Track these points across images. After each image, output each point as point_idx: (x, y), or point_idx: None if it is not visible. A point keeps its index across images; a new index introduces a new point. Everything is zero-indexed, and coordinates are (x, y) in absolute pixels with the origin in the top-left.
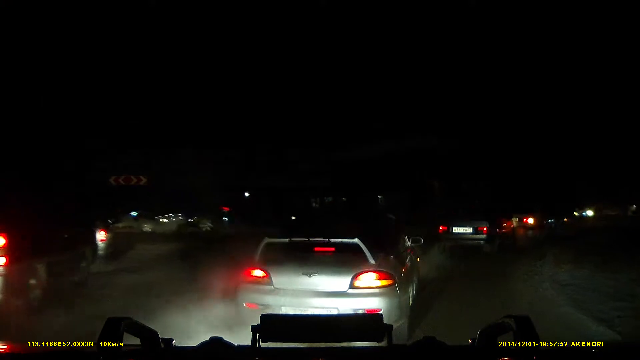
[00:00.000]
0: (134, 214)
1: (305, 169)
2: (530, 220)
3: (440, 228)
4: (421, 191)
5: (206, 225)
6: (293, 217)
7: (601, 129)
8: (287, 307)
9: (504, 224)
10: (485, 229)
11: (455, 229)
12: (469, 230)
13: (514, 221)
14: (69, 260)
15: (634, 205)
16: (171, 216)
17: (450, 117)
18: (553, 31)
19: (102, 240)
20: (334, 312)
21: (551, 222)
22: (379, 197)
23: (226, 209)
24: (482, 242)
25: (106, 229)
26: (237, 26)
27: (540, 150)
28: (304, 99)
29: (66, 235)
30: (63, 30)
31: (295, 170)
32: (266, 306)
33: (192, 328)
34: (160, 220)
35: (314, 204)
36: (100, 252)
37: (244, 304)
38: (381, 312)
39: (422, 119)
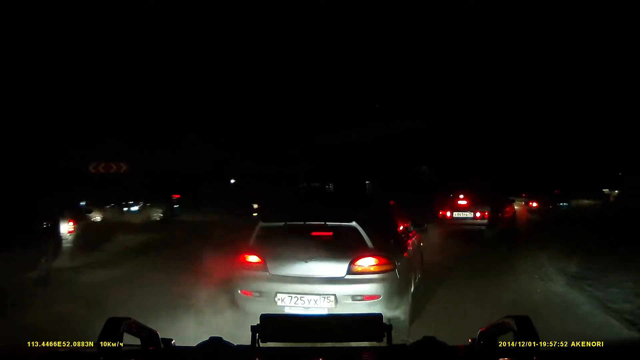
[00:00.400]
0: (82, 203)
1: (290, 154)
2: (535, 204)
3: (440, 213)
4: (412, 176)
5: (157, 213)
6: (255, 205)
7: (596, 117)
8: (283, 293)
9: (506, 209)
10: (486, 214)
11: (456, 214)
12: (469, 215)
13: (519, 204)
14: (25, 255)
15: (616, 191)
16: (131, 204)
17: (449, 101)
18: (550, 19)
19: (70, 232)
20: (331, 298)
21: (563, 205)
22: (367, 182)
23: (176, 196)
24: (483, 227)
25: (75, 219)
26: (218, 10)
27: (543, 135)
28: (290, 84)
29: (22, 227)
30: (37, 14)
31: (280, 154)
32: (261, 293)
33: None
34: (125, 209)
35: (301, 189)
36: (69, 245)
37: (239, 291)
38: (380, 298)
39: (417, 104)
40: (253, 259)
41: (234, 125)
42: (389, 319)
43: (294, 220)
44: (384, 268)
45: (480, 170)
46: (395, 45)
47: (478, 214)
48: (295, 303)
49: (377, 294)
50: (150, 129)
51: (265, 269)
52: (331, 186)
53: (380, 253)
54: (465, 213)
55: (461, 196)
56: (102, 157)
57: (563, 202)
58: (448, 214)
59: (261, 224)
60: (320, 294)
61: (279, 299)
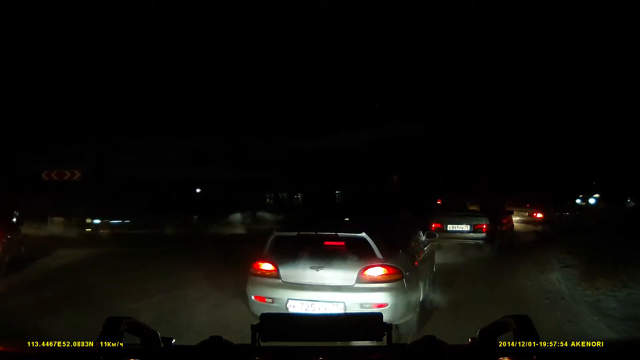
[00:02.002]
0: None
1: (258, 160)
2: (540, 215)
3: (433, 225)
4: (385, 185)
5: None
6: (195, 217)
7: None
8: (294, 300)
9: (504, 221)
10: (484, 226)
11: (450, 227)
12: (466, 227)
13: (523, 215)
14: None
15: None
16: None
17: (438, 106)
18: (550, 19)
19: None
20: (341, 306)
21: (567, 215)
22: (337, 192)
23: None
24: (480, 241)
25: (5, 231)
26: (187, 9)
27: (542, 140)
28: (257, 87)
29: None
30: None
31: (249, 161)
32: (274, 299)
33: None
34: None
35: (267, 200)
36: None
37: (253, 297)
38: (387, 307)
39: (399, 109)
40: (267, 266)
41: (201, 127)
42: (397, 327)
43: (306, 231)
44: (392, 277)
45: (478, 174)
46: (371, 50)
47: (475, 226)
48: (306, 310)
49: (385, 302)
50: (112, 131)
51: (278, 277)
52: (300, 196)
53: (388, 263)
54: (461, 225)
55: (456, 205)
56: (59, 163)
57: (566, 213)
58: (441, 226)
59: (275, 233)
60: (330, 302)
61: (290, 306)
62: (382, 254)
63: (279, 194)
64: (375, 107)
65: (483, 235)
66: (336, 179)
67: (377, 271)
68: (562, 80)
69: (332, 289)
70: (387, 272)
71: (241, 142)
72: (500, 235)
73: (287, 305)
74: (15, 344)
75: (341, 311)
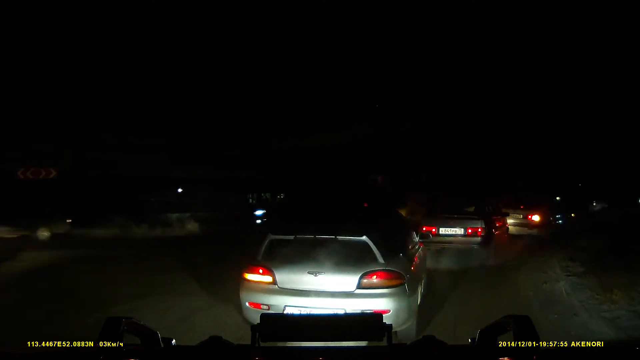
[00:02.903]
0: None
1: (238, 159)
2: (536, 218)
3: (424, 228)
4: (369, 185)
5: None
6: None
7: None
8: (292, 307)
9: (498, 224)
10: (480, 230)
11: (443, 230)
12: (459, 231)
13: (517, 217)
14: None
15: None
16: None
17: (428, 102)
18: (548, 19)
19: None
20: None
21: (558, 218)
22: (320, 192)
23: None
24: (475, 246)
25: None
26: (158, 6)
27: (536, 139)
28: (241, 84)
29: None
30: None
31: (227, 160)
32: (270, 306)
33: None
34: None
35: (250, 200)
36: None
37: (247, 304)
38: (390, 313)
39: (389, 108)
40: (261, 271)
41: (180, 124)
42: (395, 333)
43: (304, 234)
44: (394, 282)
45: (470, 170)
46: (356, 50)
47: (470, 230)
48: None
49: (387, 308)
50: (85, 129)
51: (274, 282)
52: (282, 196)
53: (390, 267)
54: (455, 229)
55: (449, 206)
56: (34, 160)
57: (557, 215)
58: (434, 229)
59: (270, 236)
60: (329, 309)
61: (287, 313)
62: (384, 259)
63: (262, 194)
64: (375, 107)
65: (478, 239)
66: (320, 179)
67: (379, 277)
68: (556, 78)
69: (332, 295)
70: (389, 277)
71: (223, 141)
72: (495, 239)
73: (284, 313)
74: (16, 344)
75: None
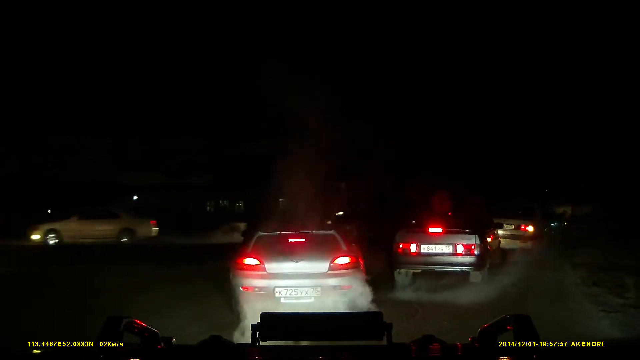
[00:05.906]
0: None
1: (188, 163)
2: (529, 228)
3: (401, 246)
4: (332, 192)
5: None
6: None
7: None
8: (280, 287)
9: (490, 238)
10: (473, 247)
11: (426, 248)
12: (446, 249)
13: (509, 228)
14: None
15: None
16: None
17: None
18: (547, 19)
19: None
20: (318, 289)
21: (554, 227)
22: (281, 200)
23: None
24: (466, 268)
25: None
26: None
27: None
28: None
29: None
30: None
31: (176, 164)
32: (261, 288)
33: None
34: None
35: (207, 208)
36: None
37: (240, 288)
38: (352, 287)
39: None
40: (252, 261)
41: (125, 126)
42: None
43: (287, 230)
44: (354, 265)
45: (459, 171)
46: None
47: (460, 248)
48: (290, 294)
49: (350, 284)
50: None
51: (264, 269)
52: (241, 204)
53: (351, 253)
54: (441, 246)
55: (434, 216)
56: None
57: (554, 224)
58: (413, 247)
59: (259, 233)
60: (309, 287)
61: (277, 292)
62: (346, 247)
63: (220, 202)
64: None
65: (471, 259)
66: (280, 186)
67: (343, 260)
68: (551, 79)
69: (310, 277)
70: (351, 260)
71: (170, 143)
72: (489, 257)
73: (275, 292)
74: (15, 344)
75: (319, 293)
